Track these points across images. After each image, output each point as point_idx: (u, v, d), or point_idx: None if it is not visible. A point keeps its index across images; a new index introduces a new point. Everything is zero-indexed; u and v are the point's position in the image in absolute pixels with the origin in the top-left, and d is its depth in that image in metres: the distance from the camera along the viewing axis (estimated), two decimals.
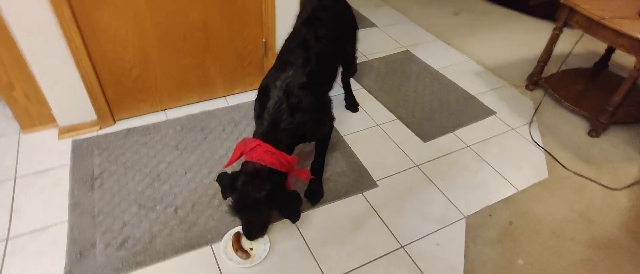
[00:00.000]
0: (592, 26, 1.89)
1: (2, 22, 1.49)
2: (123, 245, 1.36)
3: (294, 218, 1.39)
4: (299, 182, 1.60)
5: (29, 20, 1.48)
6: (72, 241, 1.37)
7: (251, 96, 2.12)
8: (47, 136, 1.80)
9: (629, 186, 1.74)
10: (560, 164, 1.84)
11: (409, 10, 3.18)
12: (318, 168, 1.59)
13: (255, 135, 1.31)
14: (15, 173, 1.62)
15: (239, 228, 1.42)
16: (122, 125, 1.89)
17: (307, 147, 1.78)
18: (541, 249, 1.47)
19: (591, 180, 1.76)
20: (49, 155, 1.71)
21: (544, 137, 1.98)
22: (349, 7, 1.74)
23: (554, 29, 2.10)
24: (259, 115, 1.34)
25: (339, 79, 1.84)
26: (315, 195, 1.59)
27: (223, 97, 2.11)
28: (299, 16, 1.59)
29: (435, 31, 2.90)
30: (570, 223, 1.58)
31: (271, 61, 2.07)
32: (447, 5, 3.32)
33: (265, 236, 1.42)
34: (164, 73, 1.88)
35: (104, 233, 1.40)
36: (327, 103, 1.47)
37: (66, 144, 1.76)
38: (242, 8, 1.86)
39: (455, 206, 1.61)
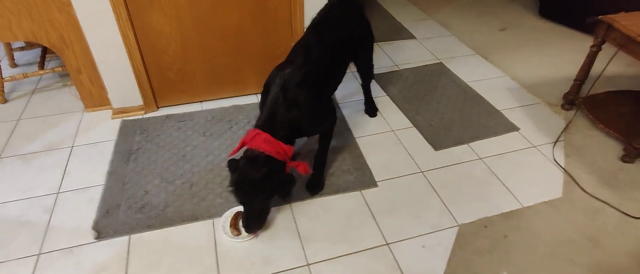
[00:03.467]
0: (630, 45, 1.79)
1: (76, 20, 1.82)
2: (141, 209, 1.59)
3: (284, 195, 1.52)
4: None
5: (94, 19, 1.80)
6: (103, 201, 1.63)
7: None
8: (102, 115, 2.13)
9: None
10: (579, 185, 1.75)
11: (453, 25, 3.17)
12: (320, 161, 1.71)
13: (256, 125, 1.46)
14: (74, 142, 1.95)
15: (240, 208, 1.58)
16: (163, 111, 2.16)
17: (310, 145, 1.91)
18: (532, 266, 1.43)
19: (610, 205, 1.66)
20: (101, 131, 2.02)
21: (568, 158, 1.90)
22: (364, 19, 1.85)
23: (591, 47, 2.01)
24: (260, 107, 1.50)
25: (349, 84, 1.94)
26: (315, 186, 1.70)
27: (254, 95, 2.31)
28: (312, 20, 1.73)
29: (474, 46, 2.86)
30: (574, 245, 1.51)
31: None
32: (495, 20, 3.25)
33: None
34: (202, 69, 2.12)
35: (129, 197, 1.64)
36: (325, 103, 1.58)
37: (116, 123, 2.06)
38: (273, 15, 2.06)
39: (451, 214, 1.62)
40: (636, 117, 2.04)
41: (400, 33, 3.02)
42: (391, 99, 2.29)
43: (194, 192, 1.67)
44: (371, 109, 2.16)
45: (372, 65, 1.99)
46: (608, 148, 1.95)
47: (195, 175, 1.76)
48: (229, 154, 1.70)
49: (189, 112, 2.15)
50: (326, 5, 1.76)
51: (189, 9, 1.91)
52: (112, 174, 1.76)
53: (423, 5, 3.53)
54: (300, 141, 1.95)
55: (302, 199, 1.67)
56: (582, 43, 2.88)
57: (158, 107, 2.19)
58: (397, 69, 2.58)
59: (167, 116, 2.11)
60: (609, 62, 1.98)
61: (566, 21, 3.11)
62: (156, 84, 2.11)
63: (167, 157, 1.85)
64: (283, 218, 1.59)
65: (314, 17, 1.73)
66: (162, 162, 1.82)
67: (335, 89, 1.68)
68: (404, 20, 3.20)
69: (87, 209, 1.61)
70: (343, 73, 1.75)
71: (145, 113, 2.15)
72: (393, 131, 2.06)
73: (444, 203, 1.66)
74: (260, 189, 1.40)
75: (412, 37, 2.98)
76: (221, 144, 1.93)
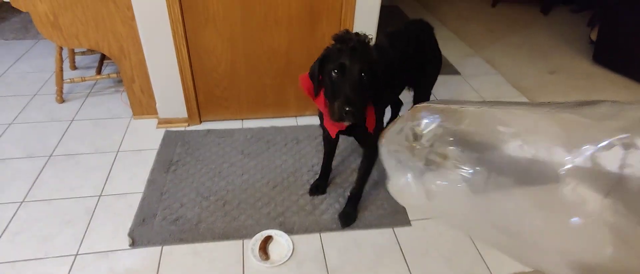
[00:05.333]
0: None
1: (136, 33, 1.93)
2: (175, 222, 1.63)
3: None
4: (334, 205, 1.72)
5: (153, 33, 1.90)
6: (141, 209, 1.68)
7: (316, 120, 2.32)
8: (149, 123, 2.22)
9: None
10: None
11: (501, 64, 3.11)
12: (356, 193, 1.69)
13: None
14: (119, 148, 2.04)
15: (270, 232, 1.59)
16: (205, 126, 2.23)
17: (345, 174, 1.89)
18: None
19: None
20: (146, 139, 2.10)
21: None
22: (435, 44, 1.86)
23: None
24: None
25: None
26: (348, 218, 1.68)
27: (293, 117, 2.34)
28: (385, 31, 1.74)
29: (521, 87, 2.79)
30: None
31: None
32: (544, 62, 3.16)
33: (290, 245, 1.55)
34: (247, 88, 2.18)
35: (165, 208, 1.69)
36: (380, 107, 1.54)
37: (160, 133, 2.14)
38: (322, 44, 2.08)
39: (486, 264, 1.55)
40: None
41: (444, 67, 2.98)
42: None
43: (227, 210, 1.70)
44: None
45: (430, 93, 1.99)
46: None
47: (229, 193, 1.78)
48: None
49: (230, 129, 2.21)
50: (403, 24, 1.79)
51: (241, 30, 1.98)
52: (151, 183, 1.81)
53: (470, 41, 3.50)
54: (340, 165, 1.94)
55: (332, 229, 1.65)
56: (638, 93, 2.74)
57: (201, 121, 2.26)
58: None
59: (209, 131, 2.17)
60: None
61: (622, 70, 2.97)
62: (202, 99, 2.18)
63: (204, 172, 1.89)
64: (312, 247, 1.58)
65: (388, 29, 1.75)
66: (199, 177, 1.86)
67: (389, 103, 1.67)
68: (449, 55, 3.17)
69: (126, 214, 1.66)
70: (400, 90, 1.75)
71: (188, 126, 2.22)
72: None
73: (478, 250, 1.60)
74: (377, 68, 1.27)
75: (456, 73, 2.94)
76: (257, 164, 1.96)
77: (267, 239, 1.56)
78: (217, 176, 1.87)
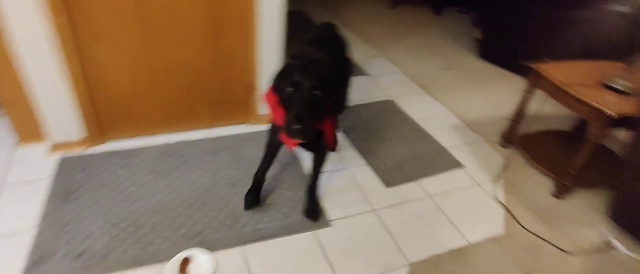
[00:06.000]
0: (556, 92, 1.97)
1: (9, 49, 1.71)
2: (79, 256, 1.48)
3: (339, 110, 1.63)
4: (255, 215, 1.71)
5: (34, 49, 1.69)
6: (36, 247, 1.49)
7: (234, 129, 2.28)
8: (39, 149, 1.98)
9: (585, 252, 1.75)
10: (518, 222, 1.87)
11: (403, 63, 3.34)
12: (312, 188, 1.76)
13: None
14: (4, 180, 1.79)
15: (189, 252, 1.52)
16: (109, 146, 2.05)
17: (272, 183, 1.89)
18: None
19: (546, 241, 1.78)
20: (37, 167, 1.87)
21: (507, 195, 2.03)
22: (346, 50, 1.95)
23: (525, 91, 2.19)
24: None
25: None
26: (314, 212, 1.75)
27: (207, 129, 2.26)
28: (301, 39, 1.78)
29: (423, 84, 3.03)
30: None
31: (252, 100, 2.24)
32: (440, 60, 3.47)
33: (212, 263, 1.50)
34: (152, 103, 2.05)
35: (67, 243, 1.52)
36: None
37: (54, 159, 1.92)
38: (228, 54, 2.05)
39: (403, 253, 1.66)
40: (564, 155, 2.23)
41: (353, 69, 3.13)
42: (345, 134, 2.34)
43: (140, 236, 1.58)
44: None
45: (346, 100, 2.10)
46: (542, 185, 2.11)
47: (141, 217, 1.67)
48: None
49: (137, 147, 2.06)
50: (317, 29, 1.86)
51: (140, 43, 1.86)
52: (47, 216, 1.62)
53: (374, 42, 3.70)
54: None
55: (254, 240, 1.63)
56: (518, 84, 3.13)
57: (104, 142, 2.07)
58: (350, 105, 2.65)
59: (113, 152, 2.00)
60: (540, 106, 2.16)
61: (504, 64, 3.39)
62: (104, 117, 2.01)
63: (111, 197, 1.74)
64: (235, 262, 1.54)
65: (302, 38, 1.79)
66: (106, 203, 1.71)
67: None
68: (356, 57, 3.32)
69: (16, 257, 1.46)
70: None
71: (89, 147, 2.02)
72: (348, 168, 2.09)
73: (395, 242, 1.70)
74: (330, 80, 1.33)
75: (364, 73, 3.09)
76: (170, 182, 1.86)
77: (186, 261, 1.49)
78: (126, 199, 1.74)
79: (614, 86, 1.88)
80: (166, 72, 1.98)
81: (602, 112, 1.73)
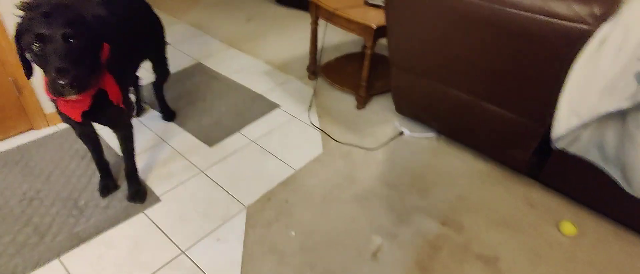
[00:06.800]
0: (332, 17, 2.21)
1: None
2: None
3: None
4: (66, 220, 1.51)
5: None
6: None
7: (18, 140, 1.92)
8: None
9: (384, 144, 2.09)
10: (331, 137, 2.11)
11: (203, 24, 3.26)
12: (131, 169, 1.65)
13: None
14: None
15: None
16: None
17: None
18: (312, 217, 1.67)
19: (355, 146, 2.07)
20: None
21: (320, 119, 2.25)
22: (154, 14, 1.80)
23: (311, 23, 2.40)
24: None
25: None
26: (140, 194, 1.66)
27: None
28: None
29: (228, 40, 3.03)
30: (338, 186, 1.82)
31: (29, 99, 1.90)
32: (240, 13, 3.50)
33: None
34: None
35: None
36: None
37: None
38: None
39: (237, 200, 1.71)
40: (358, 73, 2.56)
41: None
42: (152, 108, 2.21)
43: None
44: (170, 113, 2.14)
45: (167, 64, 1.98)
46: (347, 103, 2.40)
47: None
48: None
49: None
50: None
51: None
52: None
53: (170, 10, 3.49)
54: None
55: (71, 247, 1.46)
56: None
57: None
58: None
59: None
60: (324, 34, 2.39)
61: (299, 5, 3.61)
62: None
63: None
64: None
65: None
66: None
67: (131, 78, 1.64)
68: None
69: None
70: (138, 65, 1.70)
71: None
72: (164, 140, 2.00)
73: (229, 193, 1.74)
74: (86, 24, 1.17)
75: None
76: None
77: None
78: None
79: (374, 2, 2.21)
80: None
81: (367, 26, 2.02)
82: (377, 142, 2.10)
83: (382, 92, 2.47)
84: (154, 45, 1.88)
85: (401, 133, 2.16)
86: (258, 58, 2.81)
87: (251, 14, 3.50)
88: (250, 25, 3.29)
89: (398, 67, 2.00)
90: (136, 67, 1.70)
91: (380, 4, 2.17)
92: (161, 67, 1.97)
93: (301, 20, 3.43)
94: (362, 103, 2.34)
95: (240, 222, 1.62)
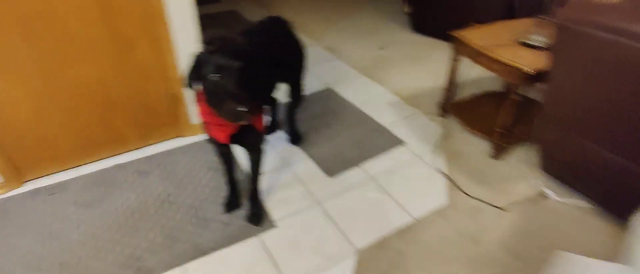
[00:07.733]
0: (477, 56, 2.00)
1: None
2: None
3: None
4: (187, 228, 1.62)
5: None
6: None
7: (167, 145, 2.17)
8: None
9: (520, 205, 1.80)
10: (460, 189, 1.89)
11: (337, 49, 3.32)
12: (254, 192, 1.71)
13: None
14: None
15: None
16: (31, 185, 1.90)
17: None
18: None
19: (486, 203, 1.82)
20: None
21: (448, 163, 2.05)
22: (295, 38, 1.87)
23: (452, 59, 2.22)
24: None
25: None
26: (258, 217, 1.71)
27: (139, 150, 2.14)
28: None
29: (359, 67, 3.02)
30: (458, 245, 1.61)
31: (183, 111, 2.14)
32: (374, 39, 3.47)
33: None
34: (64, 131, 1.90)
35: None
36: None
37: None
38: (140, 64, 1.92)
39: (350, 241, 1.64)
40: (495, 115, 2.28)
41: None
42: (283, 130, 2.29)
43: (66, 273, 1.48)
44: (297, 137, 2.18)
45: (303, 89, 2.02)
46: (478, 147, 2.16)
47: (65, 252, 1.55)
48: None
49: (62, 181, 1.92)
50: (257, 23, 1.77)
51: (33, 68, 1.69)
52: None
53: (310, 32, 3.66)
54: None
55: (194, 257, 1.56)
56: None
57: (24, 181, 1.91)
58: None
59: (34, 191, 1.86)
60: (461, 71, 2.19)
61: (436, 34, 3.44)
62: (17, 156, 1.84)
63: (31, 238, 1.61)
64: None
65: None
66: (25, 246, 1.58)
67: (267, 101, 1.72)
68: None
69: None
70: (274, 87, 1.75)
71: (7, 191, 1.86)
72: (287, 164, 2.05)
73: (342, 232, 1.68)
74: (255, 60, 1.27)
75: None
76: (94, 210, 1.74)
77: None
78: (47, 238, 1.61)
79: (530, 42, 1.94)
80: (71, 96, 1.83)
81: (519, 70, 1.77)
82: (511, 201, 1.82)
83: (522, 142, 2.15)
84: (295, 71, 1.93)
85: (543, 195, 1.84)
86: (387, 88, 2.73)
87: (385, 41, 3.45)
88: (383, 53, 3.24)
89: (554, 120, 1.70)
90: (273, 89, 1.77)
91: (540, 45, 1.89)
92: (297, 92, 2.02)
93: (435, 50, 3.26)
94: (499, 152, 2.07)
95: (349, 266, 1.54)
